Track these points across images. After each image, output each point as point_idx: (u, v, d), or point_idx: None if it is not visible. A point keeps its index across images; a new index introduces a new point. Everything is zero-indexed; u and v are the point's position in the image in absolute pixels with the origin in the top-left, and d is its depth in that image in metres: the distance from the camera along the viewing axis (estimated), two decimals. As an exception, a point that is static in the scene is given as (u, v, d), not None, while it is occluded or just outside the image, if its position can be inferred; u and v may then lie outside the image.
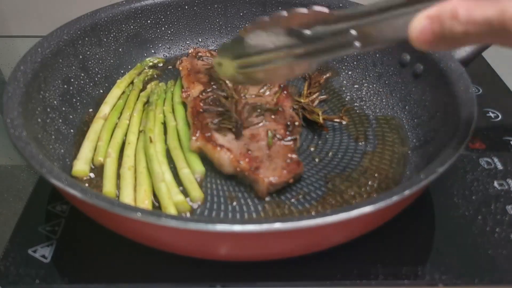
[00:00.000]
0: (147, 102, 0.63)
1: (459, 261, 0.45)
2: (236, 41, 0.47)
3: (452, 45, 0.34)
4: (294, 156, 0.52)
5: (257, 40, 0.45)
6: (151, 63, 0.72)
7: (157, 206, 0.48)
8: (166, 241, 0.42)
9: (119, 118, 0.60)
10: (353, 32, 0.39)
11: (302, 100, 0.63)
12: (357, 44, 0.39)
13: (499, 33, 0.31)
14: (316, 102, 0.64)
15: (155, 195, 0.49)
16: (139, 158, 0.53)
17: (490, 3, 0.30)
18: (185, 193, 0.50)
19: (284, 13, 0.42)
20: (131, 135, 0.57)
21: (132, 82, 0.67)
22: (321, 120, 0.60)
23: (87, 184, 0.51)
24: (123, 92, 0.65)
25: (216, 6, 0.75)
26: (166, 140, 0.57)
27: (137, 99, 0.64)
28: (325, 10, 0.41)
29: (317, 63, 0.44)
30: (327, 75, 0.70)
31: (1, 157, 0.62)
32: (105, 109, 0.61)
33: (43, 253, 0.45)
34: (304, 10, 0.42)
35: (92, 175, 0.53)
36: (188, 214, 0.48)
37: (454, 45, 0.35)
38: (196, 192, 0.50)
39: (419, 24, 0.33)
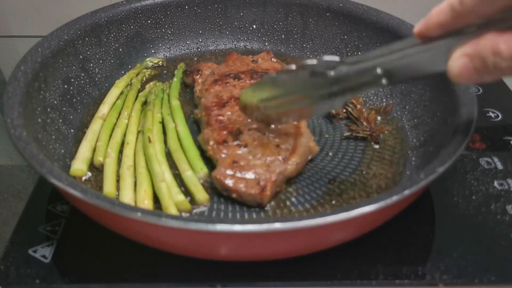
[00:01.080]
0: (145, 102, 0.63)
1: (459, 261, 0.45)
2: (260, 85, 0.48)
3: (498, 76, 0.34)
4: (271, 180, 0.48)
5: (281, 84, 0.46)
6: (151, 63, 0.72)
7: (157, 206, 0.49)
8: (166, 241, 0.42)
9: (117, 118, 0.60)
10: (379, 70, 0.39)
11: None
12: (383, 81, 0.39)
13: None
14: None
15: (155, 195, 0.49)
16: (138, 158, 0.53)
17: None
18: (189, 195, 0.50)
19: (293, 66, 0.43)
20: (129, 135, 0.57)
21: (130, 82, 0.67)
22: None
23: (87, 185, 0.51)
24: (122, 93, 0.65)
25: (216, 6, 0.75)
26: (166, 142, 0.57)
27: (136, 99, 0.64)
28: (335, 58, 0.41)
29: (343, 102, 0.44)
30: None
31: (1, 157, 0.62)
32: (103, 109, 0.61)
33: (44, 253, 0.45)
34: (313, 61, 0.42)
35: (91, 175, 0.53)
36: (188, 214, 0.48)
37: (501, 76, 0.34)
38: (201, 195, 0.49)
39: (458, 62, 0.33)
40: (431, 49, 0.36)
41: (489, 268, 0.45)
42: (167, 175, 0.51)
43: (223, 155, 0.51)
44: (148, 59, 0.73)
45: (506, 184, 0.54)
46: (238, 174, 0.49)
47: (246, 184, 0.48)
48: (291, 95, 0.46)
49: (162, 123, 0.60)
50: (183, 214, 0.48)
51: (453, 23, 0.34)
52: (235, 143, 0.52)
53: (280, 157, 0.50)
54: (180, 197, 0.48)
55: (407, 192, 0.39)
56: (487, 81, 0.34)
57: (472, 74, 0.33)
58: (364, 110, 0.62)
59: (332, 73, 0.41)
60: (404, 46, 0.38)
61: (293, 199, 0.50)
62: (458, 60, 0.33)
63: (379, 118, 0.62)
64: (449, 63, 0.34)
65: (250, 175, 0.49)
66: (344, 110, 0.62)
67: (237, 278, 0.43)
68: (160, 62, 0.73)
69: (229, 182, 0.48)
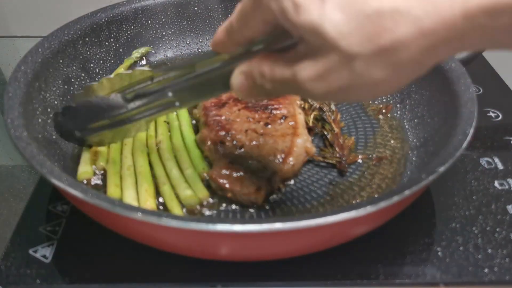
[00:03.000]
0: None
1: (459, 261, 0.45)
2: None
3: (271, 96, 0.37)
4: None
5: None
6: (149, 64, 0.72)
7: (161, 206, 0.49)
8: (166, 241, 0.42)
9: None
10: (170, 94, 0.41)
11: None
12: (177, 103, 0.41)
13: (298, 90, 0.32)
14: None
15: (158, 193, 0.49)
16: (136, 157, 0.53)
17: (285, 66, 0.32)
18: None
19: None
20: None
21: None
22: (310, 123, 0.59)
23: (97, 188, 0.51)
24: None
25: (216, 6, 0.75)
26: (171, 138, 0.57)
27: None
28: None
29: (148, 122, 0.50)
30: None
31: (1, 157, 0.62)
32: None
33: (44, 253, 0.46)
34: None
35: (97, 179, 0.53)
36: (198, 207, 0.49)
37: (273, 96, 0.38)
38: (201, 193, 0.50)
39: (237, 79, 0.35)
40: (216, 69, 0.38)
41: (489, 268, 0.45)
42: (175, 171, 0.51)
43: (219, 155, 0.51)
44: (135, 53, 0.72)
45: (506, 184, 0.54)
46: (234, 174, 0.49)
47: (241, 184, 0.48)
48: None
49: (167, 122, 0.60)
50: (192, 208, 0.48)
51: (230, 43, 0.36)
52: (232, 143, 0.52)
53: (275, 158, 0.50)
54: (188, 192, 0.49)
55: (407, 192, 0.39)
56: (267, 98, 0.36)
57: (249, 91, 0.35)
58: (341, 135, 0.57)
59: (129, 96, 0.44)
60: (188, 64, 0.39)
61: (294, 199, 0.50)
62: (237, 77, 0.35)
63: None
64: (232, 78, 0.36)
65: (245, 175, 0.49)
66: (320, 129, 0.59)
67: (237, 278, 0.43)
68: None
69: (225, 182, 0.48)
